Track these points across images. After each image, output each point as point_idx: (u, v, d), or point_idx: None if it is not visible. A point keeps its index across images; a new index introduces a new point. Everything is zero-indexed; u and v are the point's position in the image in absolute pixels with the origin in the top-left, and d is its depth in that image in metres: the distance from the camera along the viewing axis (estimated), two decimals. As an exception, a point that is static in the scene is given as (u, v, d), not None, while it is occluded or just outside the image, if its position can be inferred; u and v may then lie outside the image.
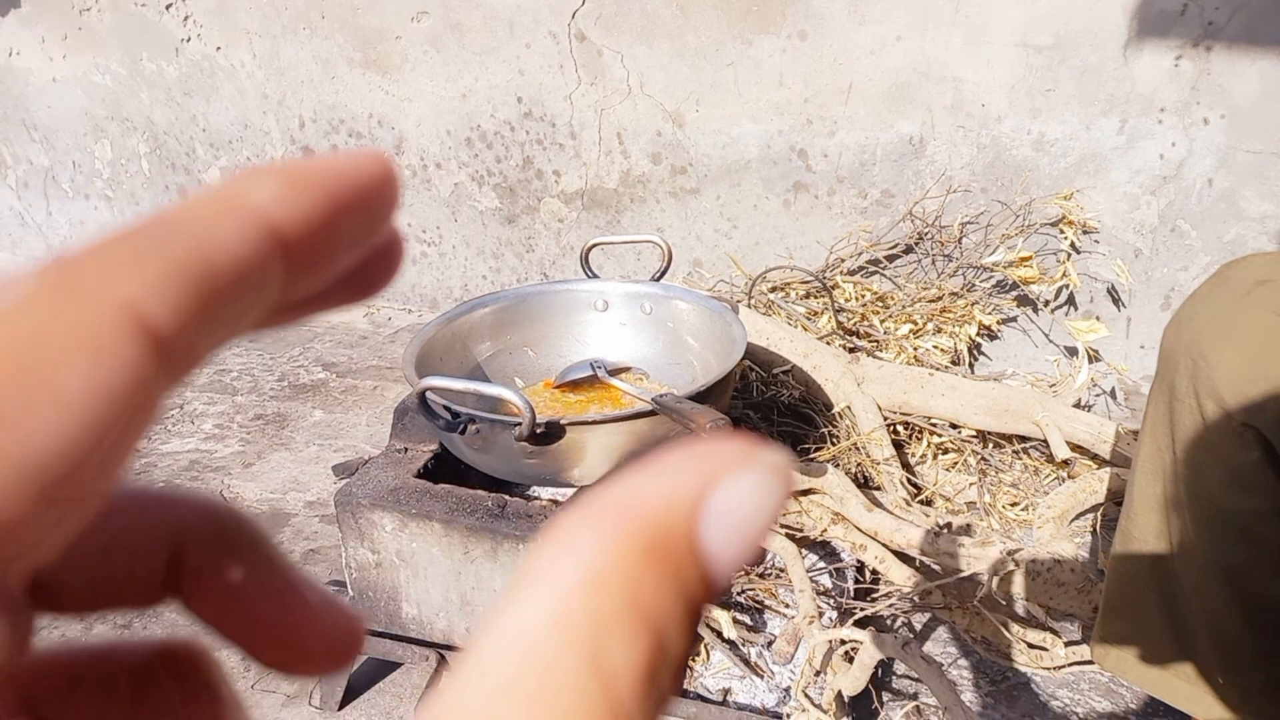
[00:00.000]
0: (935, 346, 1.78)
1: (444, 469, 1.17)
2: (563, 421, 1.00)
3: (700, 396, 1.06)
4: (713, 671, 1.07)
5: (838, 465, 1.44)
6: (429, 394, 1.02)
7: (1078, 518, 1.38)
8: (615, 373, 1.28)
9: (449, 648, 1.11)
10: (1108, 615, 0.94)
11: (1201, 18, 1.62)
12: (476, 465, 1.12)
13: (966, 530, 1.20)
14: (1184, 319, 0.88)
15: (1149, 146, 1.72)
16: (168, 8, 2.36)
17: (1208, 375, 0.83)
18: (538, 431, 0.99)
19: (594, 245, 1.44)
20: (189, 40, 2.38)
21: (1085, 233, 1.81)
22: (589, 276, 1.43)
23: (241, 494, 1.63)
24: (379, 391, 2.02)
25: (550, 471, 1.07)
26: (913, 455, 1.63)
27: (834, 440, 1.51)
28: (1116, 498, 1.34)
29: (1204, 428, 0.84)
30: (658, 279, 1.41)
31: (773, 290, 1.89)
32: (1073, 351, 1.79)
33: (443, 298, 2.41)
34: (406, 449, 1.19)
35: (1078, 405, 1.65)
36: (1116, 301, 1.85)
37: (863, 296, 1.87)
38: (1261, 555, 0.82)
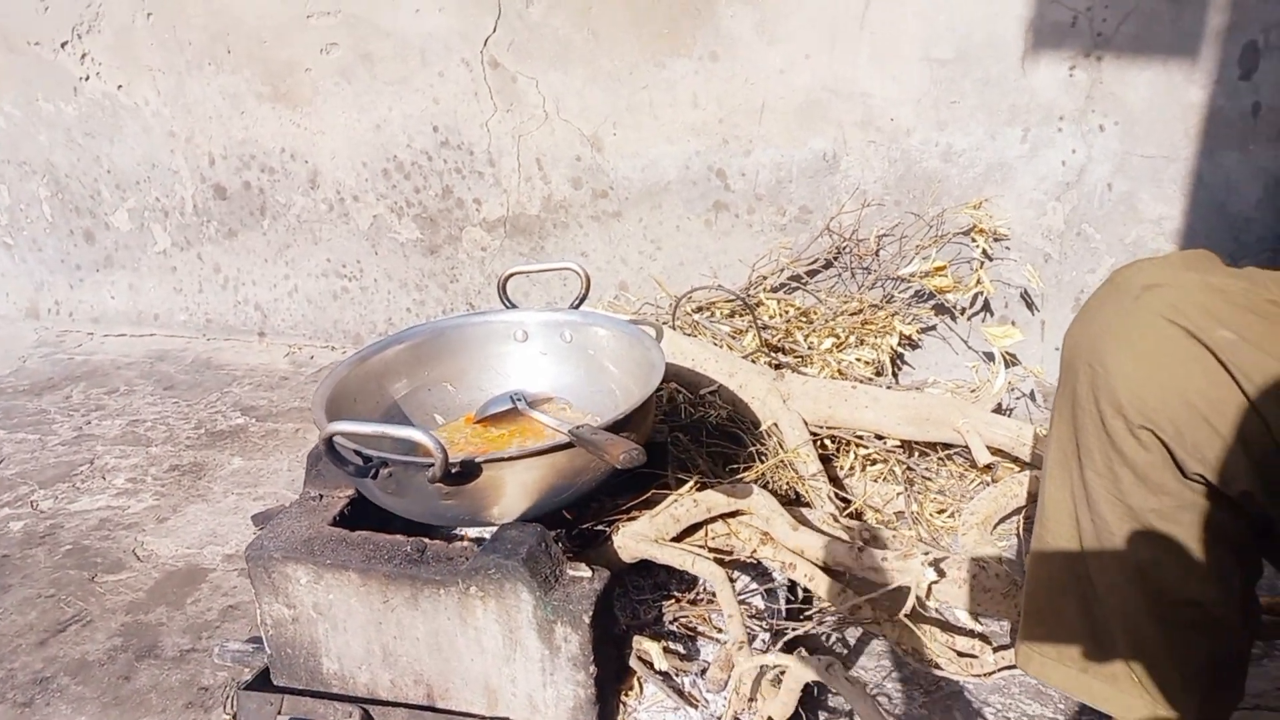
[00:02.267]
0: (858, 359, 1.80)
1: (363, 514, 1.14)
2: (478, 460, 0.98)
3: (619, 425, 1.05)
4: (646, 705, 1.06)
5: (766, 484, 1.44)
6: (338, 439, 0.99)
7: (1001, 522, 1.41)
8: (536, 404, 1.26)
9: (374, 702, 1.07)
10: (1029, 619, 0.95)
11: (1091, 29, 1.68)
12: (393, 509, 1.08)
13: (890, 543, 1.21)
14: (1080, 326, 0.90)
15: (1051, 154, 1.78)
16: (63, 45, 2.28)
17: (1105, 380, 0.85)
18: (453, 471, 0.97)
19: (511, 275, 1.43)
20: (88, 78, 2.30)
21: (996, 240, 1.85)
22: (508, 306, 1.41)
23: (155, 551, 1.56)
24: (301, 435, 1.96)
25: (469, 511, 1.05)
26: (841, 468, 1.64)
27: (762, 458, 1.51)
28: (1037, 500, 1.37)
29: (1105, 431, 0.86)
30: (577, 306, 1.40)
31: (697, 310, 1.89)
32: (991, 357, 1.83)
33: (367, 333, 2.36)
34: (322, 496, 1.15)
35: (997, 410, 1.68)
36: (1030, 306, 1.89)
37: (786, 312, 1.88)
38: (1167, 554, 0.84)
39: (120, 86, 2.29)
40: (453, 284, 2.28)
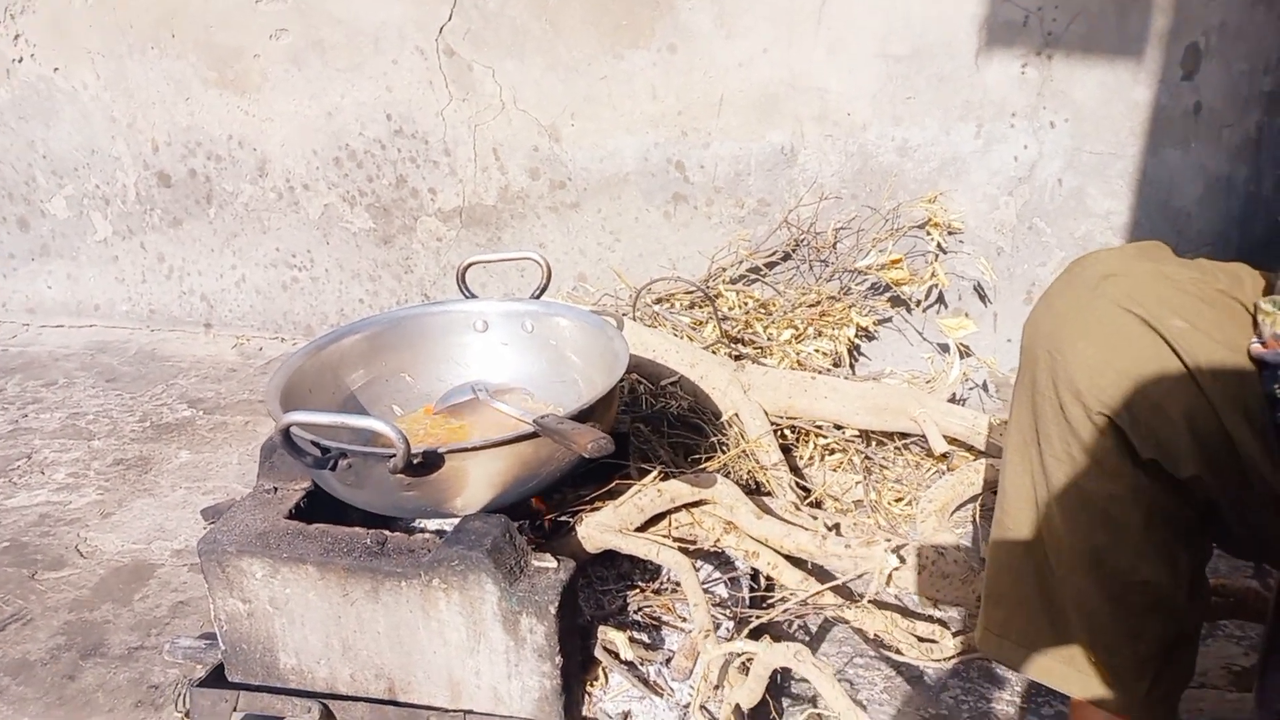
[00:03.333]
0: (817, 350, 1.81)
1: (320, 508, 1.11)
2: (441, 450, 0.97)
3: (584, 415, 1.04)
4: (611, 695, 1.05)
5: (728, 474, 1.45)
6: (294, 430, 0.97)
7: (958, 509, 1.43)
8: (498, 395, 1.24)
9: (333, 696, 1.05)
10: (989, 602, 0.97)
11: (1042, 28, 1.72)
12: (352, 502, 1.06)
13: (852, 531, 1.22)
14: (1039, 315, 0.91)
15: (1003, 149, 1.81)
16: (-5, 26, 2.18)
17: (1064, 368, 0.87)
18: (414, 462, 0.95)
19: (470, 264, 1.41)
20: (20, 60, 2.21)
21: (950, 233, 1.88)
22: (467, 296, 1.39)
23: (100, 547, 1.50)
24: (250, 427, 1.91)
25: (431, 503, 1.03)
26: (801, 458, 1.66)
27: (724, 449, 1.51)
28: (993, 488, 1.40)
29: (1064, 418, 0.88)
30: (537, 296, 1.38)
31: (657, 302, 1.89)
32: (946, 348, 1.86)
33: (318, 324, 2.31)
34: (276, 488, 1.12)
35: (952, 400, 1.71)
36: (983, 298, 1.93)
37: (745, 304, 1.89)
38: (1122, 538, 0.86)
39: (56, 69, 2.20)
40: (407, 274, 2.24)
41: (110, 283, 2.40)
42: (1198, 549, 0.90)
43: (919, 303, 1.92)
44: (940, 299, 1.95)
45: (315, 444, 0.98)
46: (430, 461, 0.96)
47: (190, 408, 2.01)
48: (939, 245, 1.87)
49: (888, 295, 1.91)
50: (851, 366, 1.97)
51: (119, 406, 2.01)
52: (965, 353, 1.89)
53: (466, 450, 0.98)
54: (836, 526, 1.25)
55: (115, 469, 1.75)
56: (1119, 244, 1.83)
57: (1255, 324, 0.84)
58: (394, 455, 0.93)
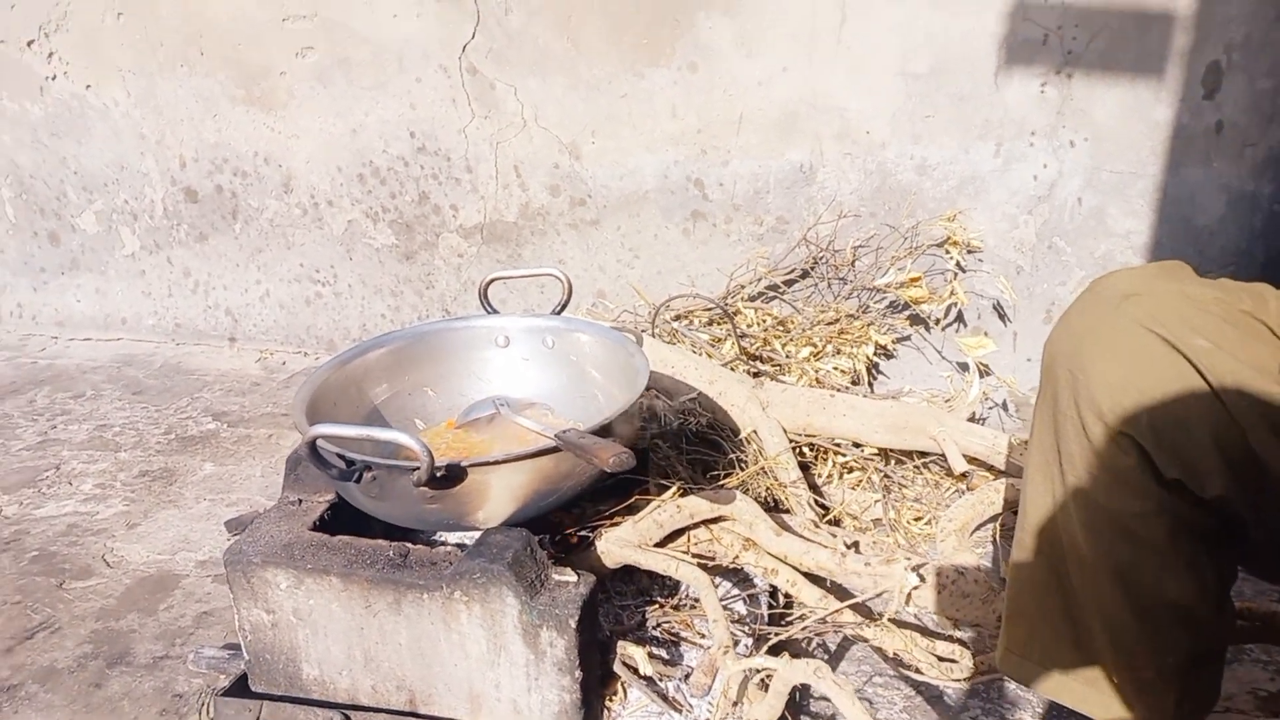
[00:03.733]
0: (835, 368, 1.81)
1: (343, 519, 1.12)
2: (464, 463, 0.98)
3: (605, 430, 1.05)
4: (630, 710, 1.05)
5: (746, 491, 1.45)
6: (320, 442, 0.98)
7: (978, 529, 1.42)
8: (519, 409, 1.25)
9: (355, 707, 1.05)
10: (1010, 623, 0.97)
11: (1062, 46, 1.72)
12: (375, 514, 1.07)
13: (872, 549, 1.22)
14: (1061, 334, 0.92)
15: (1023, 168, 1.82)
16: (29, 44, 2.23)
17: (1086, 386, 0.87)
18: (438, 475, 0.96)
19: (493, 280, 1.42)
20: (54, 78, 2.26)
21: (970, 252, 1.88)
22: (489, 312, 1.41)
23: (126, 557, 1.52)
24: (274, 440, 1.93)
25: (454, 516, 1.04)
26: (819, 475, 1.66)
27: (742, 465, 1.52)
28: (1013, 507, 1.39)
29: (1085, 437, 0.88)
30: (558, 312, 1.40)
31: (676, 319, 1.90)
32: (965, 367, 1.86)
33: (340, 339, 2.34)
34: (301, 500, 1.14)
35: (972, 419, 1.71)
36: (1003, 317, 1.93)
37: (764, 321, 1.90)
38: (1147, 554, 0.85)
39: (89, 87, 2.25)
40: (428, 290, 2.26)
41: (137, 296, 2.44)
42: (1224, 567, 0.89)
43: (938, 321, 1.92)
44: (960, 318, 1.95)
45: (340, 456, 1.00)
46: (453, 474, 0.98)
47: (215, 420, 2.03)
48: (958, 264, 1.87)
49: (907, 314, 1.91)
50: (870, 385, 1.97)
51: (145, 419, 2.04)
52: (985, 372, 1.89)
53: (489, 464, 0.99)
54: (855, 544, 1.25)
55: (141, 480, 1.78)
56: (1140, 263, 1.82)
57: (1280, 342, 0.84)
58: (418, 468, 0.94)
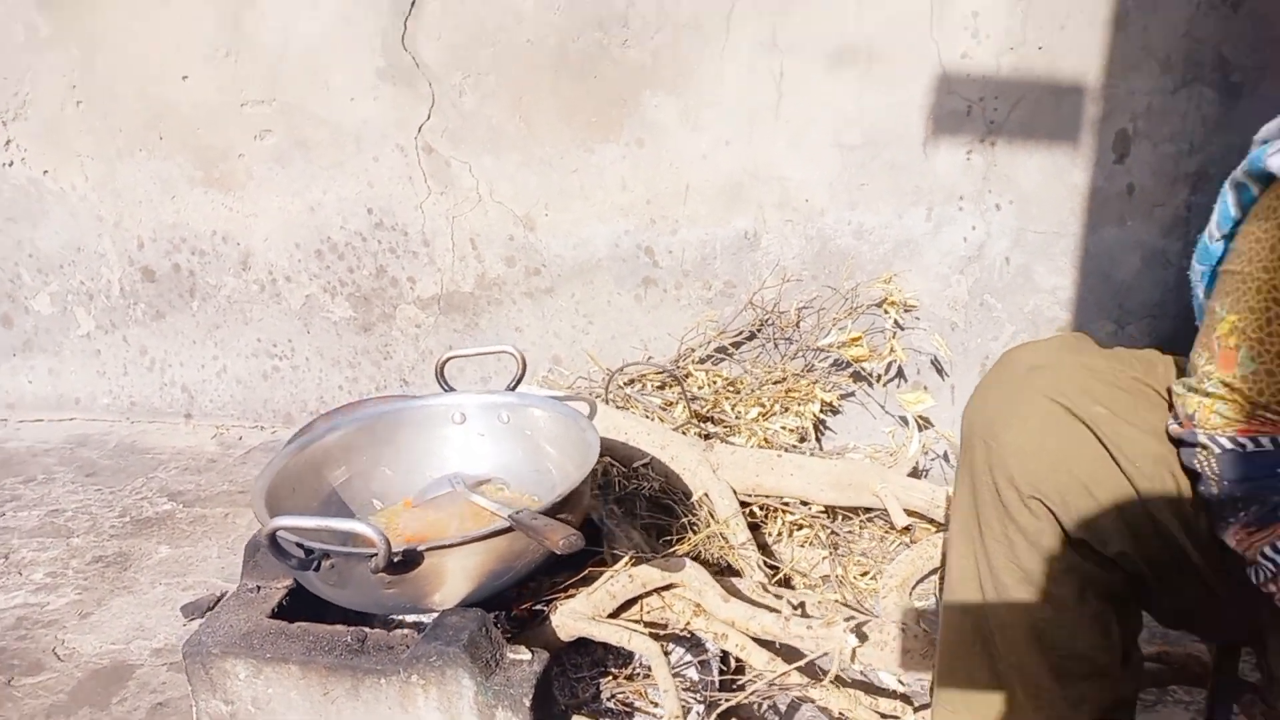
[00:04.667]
0: (783, 427, 1.88)
1: (302, 604, 1.15)
2: (420, 548, 1.01)
3: (557, 508, 1.09)
4: (587, 782, 1.08)
5: (699, 555, 1.50)
6: (280, 533, 1.01)
7: (920, 582, 1.48)
8: (475, 487, 1.29)
9: (315, 792, 1.07)
10: (941, 677, 1.02)
11: (984, 117, 1.84)
12: (335, 600, 1.10)
13: (818, 608, 1.27)
14: (975, 404, 0.99)
15: (953, 231, 1.91)
16: (-14, 132, 2.26)
17: (998, 454, 0.94)
18: (395, 561, 0.99)
19: (448, 359, 1.47)
20: (11, 164, 2.29)
21: (907, 310, 1.97)
22: (445, 389, 1.45)
23: (78, 649, 1.52)
24: (230, 519, 1.94)
25: (411, 599, 1.07)
26: (770, 534, 1.71)
27: (694, 529, 1.56)
28: (953, 560, 1.45)
29: (1000, 501, 0.94)
30: (513, 388, 1.44)
31: (629, 384, 1.95)
32: (907, 421, 1.93)
33: (297, 412, 2.36)
34: (259, 587, 1.16)
35: (914, 473, 1.78)
36: (940, 372, 2.01)
37: (714, 383, 1.96)
38: (1058, 612, 0.92)
39: (46, 172, 2.28)
40: (386, 360, 2.30)
41: (92, 376, 2.44)
42: (1129, 619, 0.96)
43: (880, 378, 2.00)
44: (900, 373, 2.03)
45: (300, 545, 1.03)
46: (410, 559, 1.01)
47: (170, 501, 2.04)
48: (896, 322, 1.95)
49: (850, 371, 1.98)
50: (819, 441, 2.04)
51: (98, 502, 2.04)
52: (924, 425, 1.97)
53: (445, 547, 1.03)
54: (802, 605, 1.30)
55: (94, 566, 1.77)
56: (1067, 317, 1.92)
57: (1171, 406, 0.92)
58: (375, 555, 0.98)
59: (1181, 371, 0.95)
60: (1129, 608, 0.94)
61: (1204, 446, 0.84)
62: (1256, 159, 0.79)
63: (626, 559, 1.27)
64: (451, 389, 1.45)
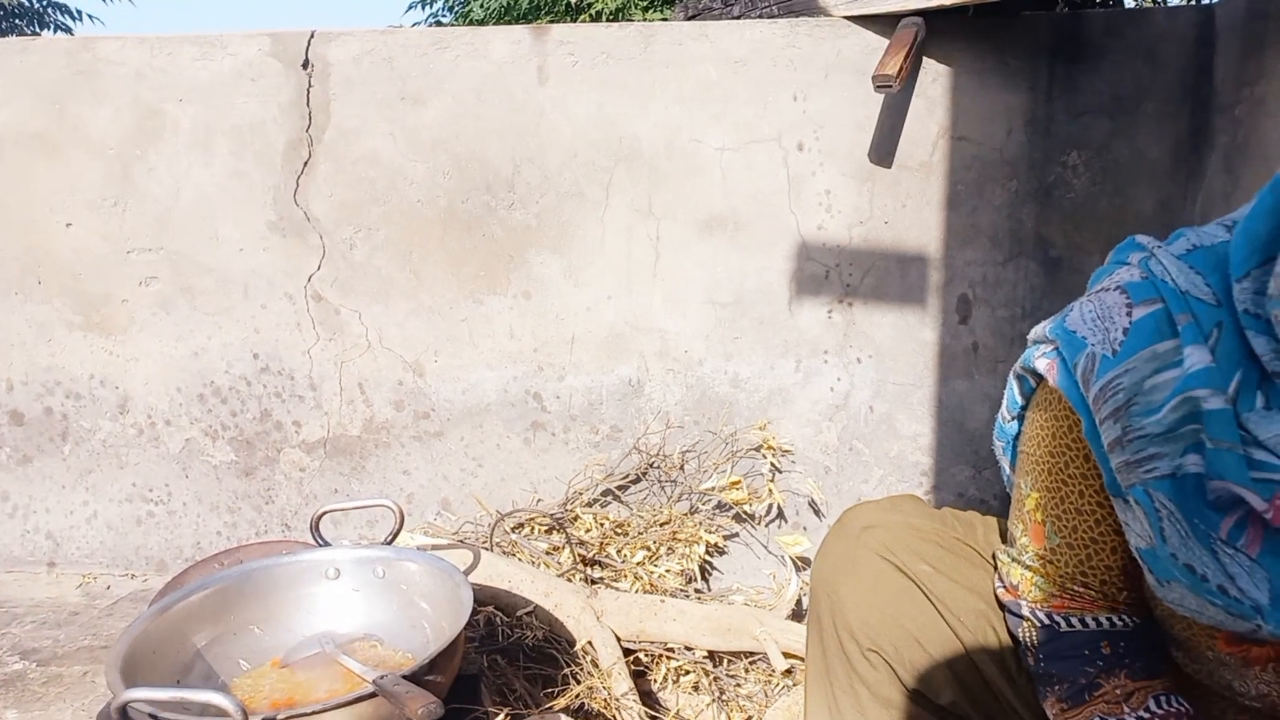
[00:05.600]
0: (668, 570, 1.92)
1: (152, 780, 1.10)
2: (279, 716, 1.00)
3: (427, 668, 1.10)
4: None
5: (581, 707, 1.50)
6: (132, 706, 0.98)
7: (795, 729, 1.51)
8: (345, 646, 1.28)
9: None
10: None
11: (841, 280, 2.01)
12: (187, 775, 1.06)
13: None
14: (819, 562, 1.06)
15: (820, 381, 2.05)
16: None
17: (840, 609, 1.01)
18: (252, 732, 0.98)
19: (324, 513, 1.47)
20: (-125, 305, 2.21)
21: (783, 455, 2.08)
22: (320, 544, 1.45)
23: (-101, 836, 1.38)
24: (89, 678, 1.82)
25: (269, 771, 1.04)
26: (655, 680, 1.72)
27: (577, 680, 1.57)
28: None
29: (844, 654, 1.01)
30: (390, 541, 1.45)
31: (516, 528, 1.97)
32: (786, 563, 2.00)
33: (171, 558, 2.26)
34: (108, 763, 1.10)
35: (794, 615, 1.83)
36: (818, 513, 2.11)
37: (601, 525, 2.00)
38: (901, 762, 0.97)
39: (-87, 312, 2.21)
40: (268, 505, 2.25)
41: (-55, 524, 2.29)
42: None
43: (761, 519, 2.08)
44: (781, 514, 2.12)
45: (153, 717, 1.00)
46: (268, 729, 0.99)
47: (22, 659, 1.90)
48: (773, 466, 2.05)
49: (732, 513, 2.06)
50: (706, 582, 2.08)
51: (-60, 664, 1.89)
52: (802, 566, 2.04)
53: (304, 715, 1.01)
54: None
55: (-72, 739, 1.63)
56: (929, 462, 2.06)
57: (995, 567, 1.01)
58: (231, 727, 0.96)
59: (1001, 533, 1.06)
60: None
61: (1027, 619, 0.92)
62: (1028, 358, 0.92)
63: (501, 716, 1.27)
64: (326, 543, 1.45)
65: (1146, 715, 0.83)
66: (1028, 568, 0.93)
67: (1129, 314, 0.81)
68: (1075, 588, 0.90)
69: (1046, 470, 0.90)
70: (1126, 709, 0.84)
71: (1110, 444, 0.80)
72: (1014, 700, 0.96)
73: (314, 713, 1.01)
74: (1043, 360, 0.89)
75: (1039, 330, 0.92)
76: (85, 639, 2.00)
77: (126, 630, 1.18)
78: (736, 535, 2.12)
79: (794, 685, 1.68)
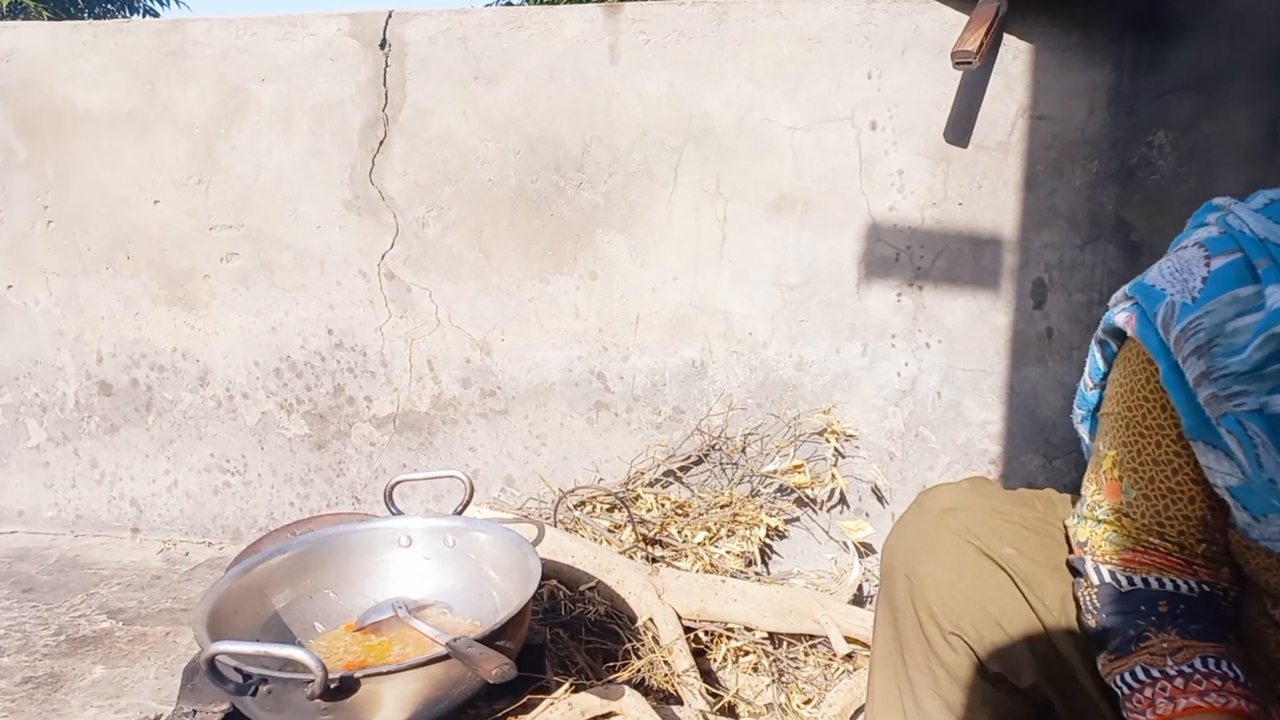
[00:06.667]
0: (729, 551, 1.92)
1: (236, 731, 1.14)
2: (357, 675, 1.03)
3: (495, 635, 1.12)
4: None
5: (642, 681, 1.51)
6: (218, 658, 1.02)
7: (859, 712, 1.50)
8: (417, 611, 1.31)
9: None
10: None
11: (912, 263, 1.98)
12: (269, 726, 1.10)
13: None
14: (895, 540, 1.05)
15: (887, 366, 2.03)
16: (-45, 247, 2.31)
17: (919, 589, 1.00)
18: (331, 687, 1.01)
19: (397, 483, 1.51)
20: (-23, 278, 2.33)
21: (847, 439, 2.06)
22: (393, 513, 1.48)
23: (0, 776, 1.47)
24: (171, 638, 1.90)
25: (346, 726, 1.07)
26: (714, 660, 1.72)
27: (638, 655, 1.58)
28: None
29: (923, 635, 0.99)
30: (460, 512, 1.48)
31: (579, 506, 1.99)
32: (849, 548, 1.99)
33: (246, 528, 2.34)
34: (195, 711, 1.15)
35: (855, 600, 1.82)
36: (881, 499, 2.08)
37: (662, 505, 2.01)
38: (975, 745, 0.96)
39: (10, 287, 2.32)
40: (339, 478, 2.31)
41: (38, 488, 2.41)
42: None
43: (823, 504, 2.06)
44: (843, 499, 2.10)
45: (238, 670, 1.04)
46: (346, 685, 1.02)
47: (109, 618, 1.99)
48: (836, 451, 2.03)
49: (794, 497, 2.05)
50: (765, 565, 2.08)
51: (33, 619, 1.99)
52: (865, 552, 2.02)
53: (381, 674, 1.04)
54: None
55: (23, 689, 1.72)
56: (997, 450, 2.02)
57: (1068, 539, 0.99)
58: (312, 681, 0.99)
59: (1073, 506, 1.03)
60: (1038, 738, 0.99)
61: (1087, 577, 0.91)
62: (1108, 319, 0.91)
63: (565, 686, 1.29)
64: (400, 512, 1.48)
65: (1189, 670, 0.81)
66: (1100, 521, 0.92)
67: (1208, 264, 0.81)
68: (1151, 539, 0.88)
69: (1125, 425, 0.88)
70: (1170, 661, 0.82)
71: (1196, 379, 0.79)
72: (1087, 682, 0.94)
73: (390, 671, 1.04)
74: (1121, 314, 0.88)
75: (1118, 294, 0.90)
76: (167, 601, 2.08)
77: (211, 588, 1.23)
78: (797, 519, 2.11)
79: (854, 670, 1.67)
